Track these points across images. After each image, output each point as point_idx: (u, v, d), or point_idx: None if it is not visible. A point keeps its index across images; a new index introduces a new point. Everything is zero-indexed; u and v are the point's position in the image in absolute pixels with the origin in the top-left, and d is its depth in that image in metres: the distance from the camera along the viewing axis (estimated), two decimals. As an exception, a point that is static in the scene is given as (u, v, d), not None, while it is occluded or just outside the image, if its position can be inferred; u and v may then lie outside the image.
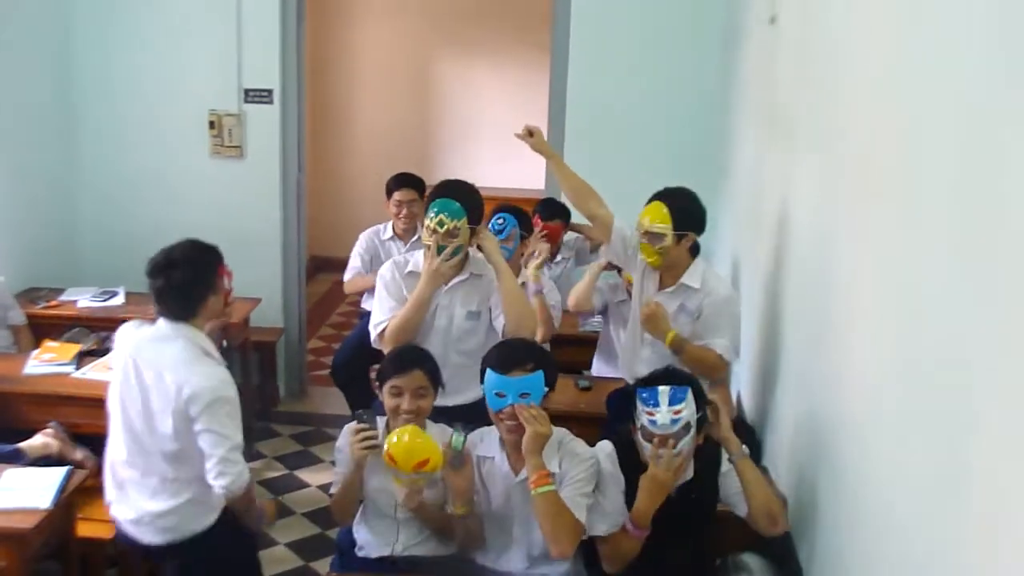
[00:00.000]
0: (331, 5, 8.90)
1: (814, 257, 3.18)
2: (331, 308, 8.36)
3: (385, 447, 2.93)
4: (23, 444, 3.91)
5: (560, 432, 3.00)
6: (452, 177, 3.70)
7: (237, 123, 5.88)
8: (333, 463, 3.11)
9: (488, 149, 8.72)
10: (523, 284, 4.24)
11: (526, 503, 2.92)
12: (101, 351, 4.60)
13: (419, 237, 3.68)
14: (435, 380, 3.14)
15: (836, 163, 2.96)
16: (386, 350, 3.45)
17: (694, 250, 3.71)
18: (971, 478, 1.74)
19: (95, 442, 3.69)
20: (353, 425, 3.08)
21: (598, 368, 4.82)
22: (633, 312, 3.90)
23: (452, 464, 2.89)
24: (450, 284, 3.61)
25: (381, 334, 3.58)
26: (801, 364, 3.31)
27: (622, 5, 5.70)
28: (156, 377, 3.02)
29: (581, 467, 2.93)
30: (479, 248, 3.54)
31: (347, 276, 5.14)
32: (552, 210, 5.00)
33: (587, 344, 4.92)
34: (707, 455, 2.94)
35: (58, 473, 3.45)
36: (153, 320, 3.12)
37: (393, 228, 5.16)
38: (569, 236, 5.20)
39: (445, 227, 3.46)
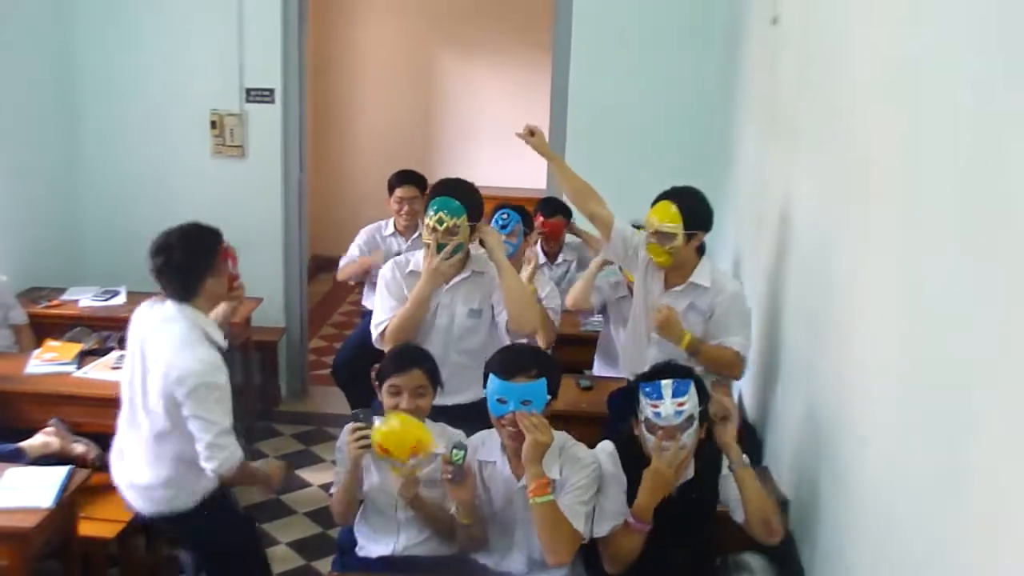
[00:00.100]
0: (333, 4, 8.90)
1: (815, 257, 3.18)
2: (333, 308, 8.36)
3: (375, 439, 2.93)
4: (24, 443, 3.91)
5: (561, 437, 2.98)
6: (453, 176, 3.70)
7: (239, 123, 5.87)
8: (334, 462, 3.12)
9: (489, 148, 8.72)
10: None
11: (527, 508, 2.91)
12: (103, 350, 4.60)
13: (420, 234, 3.68)
14: (434, 379, 3.14)
15: (837, 163, 2.96)
16: (386, 349, 3.46)
17: (700, 249, 3.71)
18: (971, 478, 1.74)
19: (96, 440, 3.70)
20: (352, 425, 3.09)
21: (599, 367, 4.82)
22: (634, 311, 3.89)
23: (454, 479, 2.86)
24: (451, 283, 3.61)
25: (382, 334, 3.59)
26: (802, 364, 3.31)
27: (623, 5, 5.70)
28: (154, 358, 3.10)
29: (582, 473, 2.92)
30: (481, 243, 3.54)
31: (341, 264, 5.14)
32: (553, 207, 5.00)
33: (588, 343, 4.92)
34: (708, 455, 2.94)
35: (60, 472, 3.45)
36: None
37: (394, 224, 5.17)
38: (571, 239, 5.20)
39: (445, 225, 3.47)
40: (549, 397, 2.89)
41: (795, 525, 3.19)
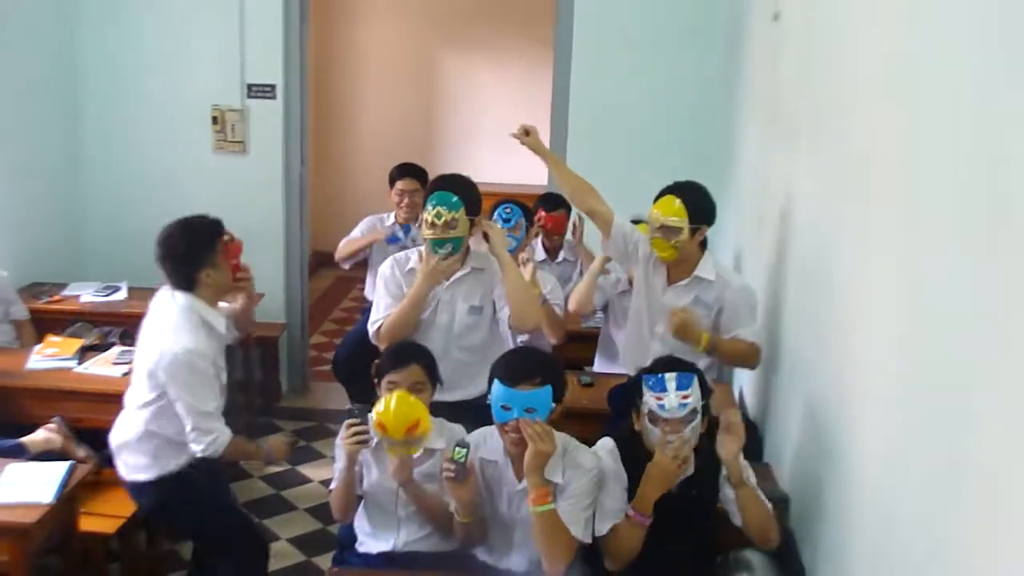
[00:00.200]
0: (335, 1, 8.90)
1: (816, 255, 3.18)
2: (334, 303, 8.37)
3: (374, 416, 2.94)
4: (25, 439, 3.92)
5: (563, 439, 2.96)
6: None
7: (240, 118, 5.88)
8: (334, 458, 3.12)
9: (491, 145, 8.71)
10: None
11: (526, 511, 2.90)
12: (103, 346, 4.61)
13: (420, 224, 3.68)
14: (432, 375, 3.14)
15: (838, 161, 2.96)
16: (382, 347, 3.46)
17: (703, 243, 3.71)
18: (971, 477, 1.74)
19: (98, 436, 3.70)
20: (347, 421, 3.09)
21: (600, 364, 4.82)
22: (636, 307, 3.88)
23: (456, 477, 2.84)
24: (452, 279, 3.61)
25: (377, 331, 3.61)
26: (803, 362, 3.32)
27: (625, 3, 5.70)
28: (150, 337, 3.33)
29: (584, 479, 2.90)
30: (484, 238, 3.54)
31: (341, 244, 5.15)
32: (555, 202, 5.00)
33: (589, 340, 4.92)
34: (709, 452, 2.94)
35: (60, 468, 3.46)
36: None
37: (395, 217, 5.17)
38: (571, 237, 5.19)
39: (443, 219, 3.47)
40: (554, 405, 2.85)
41: (795, 522, 3.19)
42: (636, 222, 4.07)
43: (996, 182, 1.69)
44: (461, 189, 3.54)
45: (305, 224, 6.16)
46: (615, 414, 3.83)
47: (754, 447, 3.72)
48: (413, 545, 3.17)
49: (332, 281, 8.86)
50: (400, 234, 4.90)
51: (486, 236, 3.53)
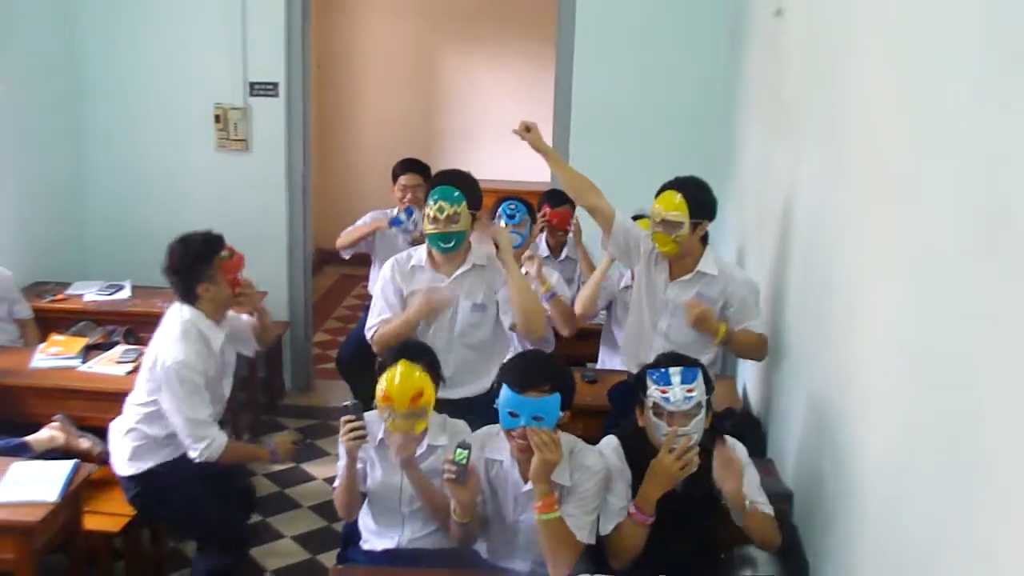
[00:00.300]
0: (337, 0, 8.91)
1: (818, 252, 3.18)
2: (337, 301, 8.37)
3: (380, 388, 2.97)
4: (29, 437, 3.92)
5: (570, 440, 2.95)
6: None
7: (243, 117, 5.88)
8: (338, 456, 3.12)
9: (493, 143, 8.69)
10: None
11: (531, 512, 2.89)
12: (107, 345, 4.61)
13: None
14: (435, 373, 3.14)
15: (841, 158, 2.96)
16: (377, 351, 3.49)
17: (704, 238, 3.71)
18: (974, 474, 1.74)
19: (102, 434, 3.71)
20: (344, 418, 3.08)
21: (603, 360, 4.82)
22: (637, 303, 3.87)
23: (457, 479, 2.82)
24: (453, 275, 3.62)
25: (373, 336, 3.67)
26: (806, 359, 3.32)
27: (627, 1, 5.68)
28: (154, 345, 3.53)
29: (592, 481, 2.89)
30: (495, 244, 3.55)
31: (342, 234, 5.16)
32: (560, 198, 4.99)
33: (592, 336, 4.92)
34: (711, 450, 2.94)
35: (65, 466, 3.46)
36: None
37: (401, 238, 5.16)
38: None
39: (446, 213, 3.49)
40: (561, 413, 2.83)
41: (799, 518, 3.19)
42: (637, 218, 4.07)
43: (997, 181, 1.69)
44: (463, 184, 3.57)
45: (308, 222, 6.16)
46: (616, 411, 3.84)
47: (757, 443, 3.72)
48: (417, 542, 3.18)
49: (335, 279, 8.86)
50: (403, 216, 4.88)
51: (496, 245, 3.54)
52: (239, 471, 4.47)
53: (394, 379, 2.97)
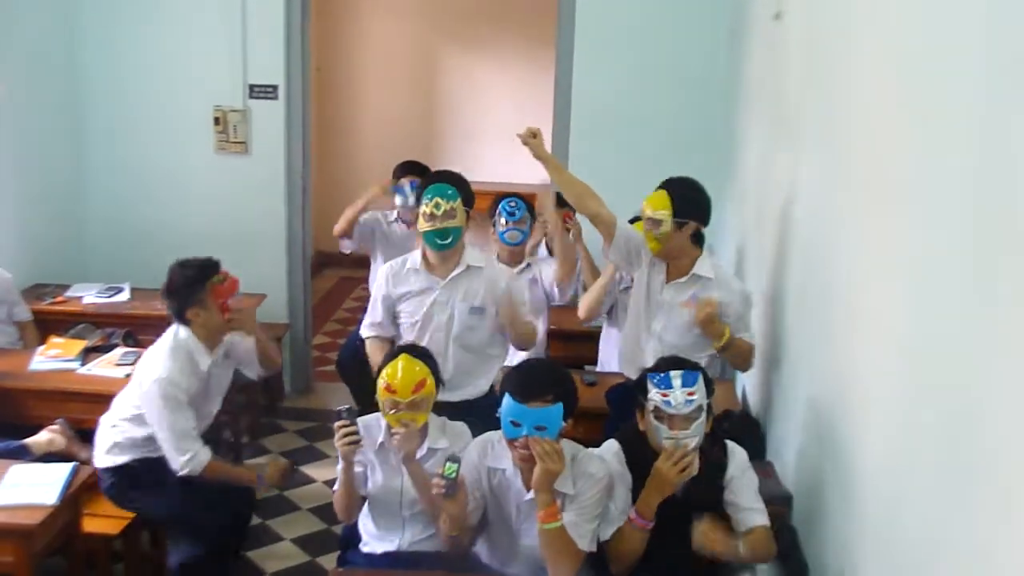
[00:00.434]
0: (337, 1, 8.90)
1: (819, 252, 3.18)
2: (336, 303, 8.37)
3: (382, 381, 3.02)
4: (29, 440, 3.93)
5: (572, 447, 2.93)
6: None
7: (242, 119, 5.88)
8: (338, 459, 3.12)
9: (493, 145, 8.71)
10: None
11: (533, 520, 2.89)
12: (106, 347, 4.61)
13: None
14: (435, 376, 3.13)
15: (841, 159, 2.95)
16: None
17: (698, 240, 3.70)
18: (975, 474, 1.74)
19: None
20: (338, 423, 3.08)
21: (603, 363, 4.82)
22: (634, 310, 3.87)
23: (447, 493, 2.79)
24: (447, 278, 3.64)
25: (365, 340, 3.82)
26: (805, 360, 3.31)
27: (627, 2, 5.68)
28: (145, 358, 3.72)
29: (595, 488, 2.88)
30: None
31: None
32: (559, 200, 5.00)
33: (592, 339, 4.92)
34: (712, 454, 2.94)
35: (64, 469, 3.46)
36: None
37: (398, 213, 5.16)
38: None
39: (442, 208, 3.53)
40: (564, 424, 2.82)
41: (798, 521, 3.19)
42: (636, 219, 4.07)
43: (998, 182, 1.69)
44: (456, 182, 3.63)
45: (307, 224, 6.16)
46: (614, 413, 3.83)
47: (756, 445, 3.72)
48: (417, 545, 3.18)
49: (335, 281, 8.86)
50: (407, 188, 4.87)
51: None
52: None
53: (396, 370, 3.02)
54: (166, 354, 3.57)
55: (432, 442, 3.16)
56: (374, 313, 3.80)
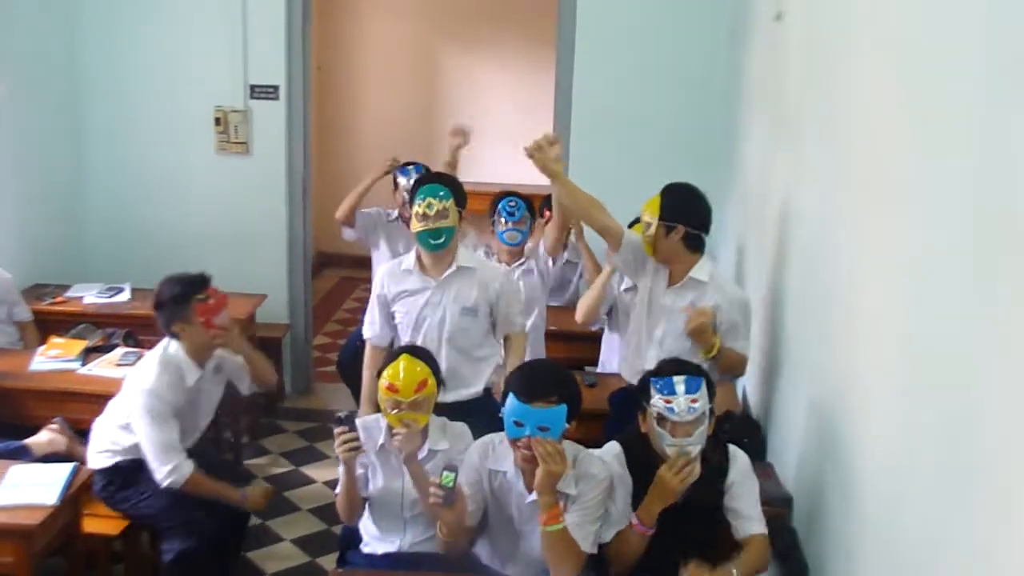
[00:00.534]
0: (338, 2, 8.90)
1: (819, 253, 3.18)
2: (337, 304, 8.36)
3: (384, 381, 3.02)
4: (29, 440, 3.92)
5: (573, 448, 2.93)
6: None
7: (243, 119, 5.87)
8: (338, 459, 3.12)
9: (493, 145, 8.67)
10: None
11: (535, 522, 2.90)
12: (107, 347, 4.60)
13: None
14: (436, 378, 3.13)
15: (841, 159, 2.95)
16: None
17: (696, 246, 3.67)
18: (975, 475, 1.73)
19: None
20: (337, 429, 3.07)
21: (604, 364, 4.81)
22: (637, 316, 3.87)
23: (444, 502, 2.79)
24: (441, 278, 3.65)
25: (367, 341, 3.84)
26: (806, 361, 3.31)
27: (627, 3, 5.68)
28: (134, 368, 3.80)
29: (596, 490, 2.88)
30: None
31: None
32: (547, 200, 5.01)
33: (592, 340, 4.92)
34: (714, 459, 2.93)
35: (64, 469, 3.45)
36: None
37: (400, 214, 5.17)
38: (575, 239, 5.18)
39: (435, 208, 3.54)
40: (567, 425, 2.82)
41: (799, 522, 3.19)
42: (636, 221, 4.08)
43: (998, 182, 1.69)
44: (448, 182, 3.66)
45: (308, 225, 6.16)
46: (615, 415, 3.83)
47: (757, 446, 3.72)
48: (418, 546, 3.18)
49: (335, 282, 8.86)
50: (411, 170, 4.91)
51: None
52: (242, 475, 4.49)
53: (398, 370, 3.02)
54: (155, 366, 3.62)
55: (433, 443, 3.16)
56: (371, 314, 3.82)
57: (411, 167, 4.97)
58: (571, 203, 3.80)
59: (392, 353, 3.17)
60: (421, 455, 3.09)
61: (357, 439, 3.01)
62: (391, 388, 3.01)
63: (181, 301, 3.64)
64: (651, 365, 3.33)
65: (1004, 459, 1.61)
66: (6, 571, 3.19)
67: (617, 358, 4.67)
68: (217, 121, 5.88)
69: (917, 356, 2.12)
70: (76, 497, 3.46)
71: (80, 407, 4.10)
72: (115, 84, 5.91)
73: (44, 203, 5.66)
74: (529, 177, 7.51)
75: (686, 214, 3.64)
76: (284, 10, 5.76)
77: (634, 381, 3.38)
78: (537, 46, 8.15)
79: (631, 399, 3.11)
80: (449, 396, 3.41)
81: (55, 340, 4.56)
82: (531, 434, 2.77)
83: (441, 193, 3.56)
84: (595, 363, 4.88)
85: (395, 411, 3.01)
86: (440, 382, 3.16)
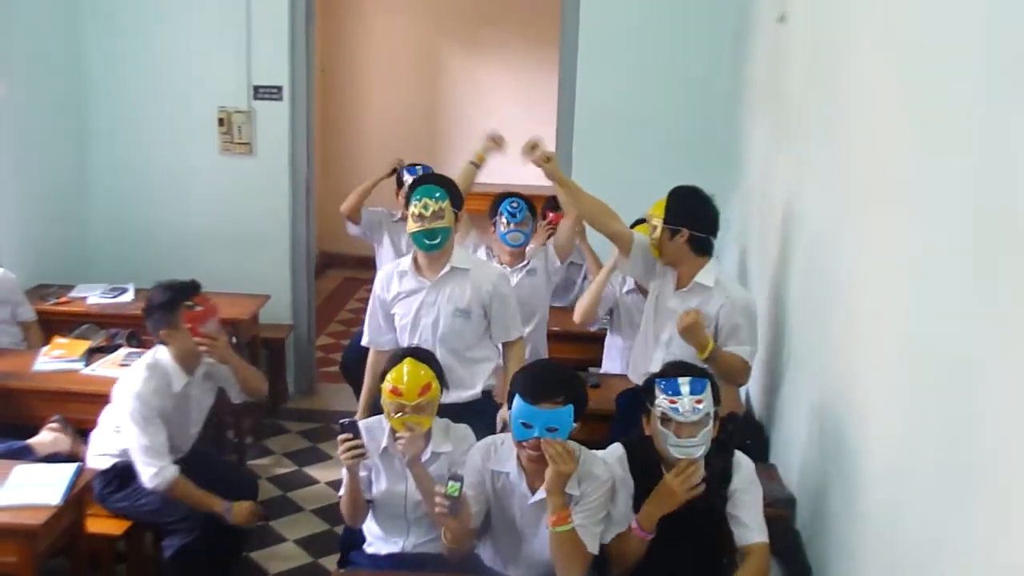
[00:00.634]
0: (341, 3, 8.91)
1: (821, 254, 3.18)
2: (340, 304, 8.37)
3: (388, 384, 3.02)
4: (32, 440, 3.93)
5: (575, 448, 2.90)
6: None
7: (246, 120, 5.88)
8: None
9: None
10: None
11: (538, 523, 2.90)
12: (110, 348, 4.62)
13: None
14: (440, 381, 3.13)
15: (843, 160, 2.95)
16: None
17: (700, 248, 3.67)
18: (977, 476, 1.73)
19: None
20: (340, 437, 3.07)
21: (607, 365, 4.81)
22: (645, 316, 3.87)
23: (450, 511, 2.77)
24: (435, 279, 3.66)
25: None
26: (808, 363, 3.31)
27: (630, 4, 5.68)
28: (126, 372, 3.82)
29: (599, 491, 2.88)
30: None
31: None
32: (553, 202, 5.01)
33: (595, 341, 4.92)
34: (718, 462, 2.93)
35: (68, 469, 3.45)
36: None
37: (403, 214, 5.18)
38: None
39: (431, 209, 3.54)
40: (574, 425, 2.82)
41: (801, 523, 3.18)
42: (638, 222, 4.08)
43: (998, 182, 1.69)
44: (444, 183, 3.65)
45: (311, 225, 6.16)
46: (620, 416, 3.83)
47: (760, 447, 3.71)
48: (422, 547, 3.18)
49: (339, 282, 8.87)
50: (418, 170, 4.93)
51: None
52: (245, 476, 4.49)
53: (402, 373, 3.01)
54: (142, 371, 3.65)
55: (436, 446, 3.16)
56: (372, 317, 3.82)
57: (418, 167, 4.99)
58: (580, 210, 3.81)
59: (396, 356, 3.15)
60: (424, 458, 3.08)
61: (361, 446, 3.00)
62: (395, 392, 3.00)
63: (169, 307, 3.66)
64: (657, 367, 3.33)
65: (1004, 459, 1.61)
66: (10, 571, 3.19)
67: (619, 359, 4.69)
68: (221, 121, 5.88)
69: (917, 356, 2.12)
70: (80, 497, 3.46)
71: (83, 407, 4.09)
72: (118, 84, 5.91)
73: (47, 203, 5.66)
74: (531, 178, 7.53)
75: (691, 217, 3.63)
76: (288, 11, 5.77)
77: (638, 380, 3.38)
78: (540, 47, 8.16)
79: (638, 400, 3.11)
80: (446, 397, 3.41)
81: (59, 340, 4.57)
82: (540, 435, 2.77)
83: (437, 194, 3.56)
84: (598, 364, 4.88)
85: (399, 415, 3.01)
86: (444, 385, 3.16)
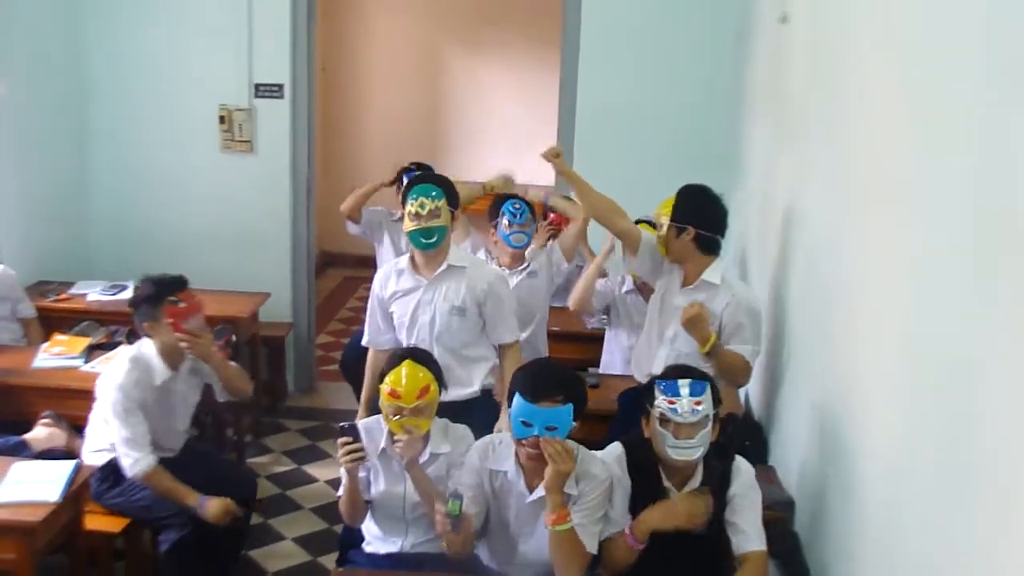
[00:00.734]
0: (342, 2, 8.90)
1: (821, 255, 3.18)
2: (340, 303, 8.37)
3: (386, 386, 3.01)
4: (28, 436, 3.93)
5: (573, 447, 2.91)
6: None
7: (247, 118, 5.88)
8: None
9: (498, 145, 8.69)
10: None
11: (536, 522, 2.90)
12: (110, 344, 4.61)
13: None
14: (437, 379, 3.13)
15: (845, 163, 2.95)
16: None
17: (707, 247, 3.67)
18: (976, 477, 1.73)
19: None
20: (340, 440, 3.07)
21: (606, 365, 4.81)
22: (651, 313, 3.87)
23: (452, 527, 2.77)
24: (431, 277, 3.66)
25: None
26: (808, 364, 3.31)
27: (632, 4, 5.68)
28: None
29: (598, 490, 2.88)
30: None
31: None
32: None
33: (594, 341, 4.92)
34: (717, 468, 2.92)
35: (66, 466, 3.46)
36: None
37: (401, 213, 5.18)
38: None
39: (427, 208, 3.55)
40: (574, 424, 2.83)
41: (800, 525, 3.18)
42: (640, 222, 4.08)
43: (998, 182, 1.69)
44: (441, 182, 3.67)
45: (312, 224, 6.16)
46: (622, 417, 3.83)
47: (759, 449, 3.71)
48: (420, 547, 3.18)
49: (339, 281, 8.86)
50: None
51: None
52: (244, 474, 4.49)
53: (401, 375, 3.01)
54: (125, 363, 3.66)
55: (434, 447, 3.15)
56: (371, 317, 3.83)
57: (418, 170, 4.97)
58: (588, 206, 3.82)
59: (394, 357, 3.15)
60: (423, 459, 3.08)
61: (361, 449, 3.00)
62: (393, 394, 3.00)
63: (153, 302, 3.68)
64: (661, 365, 3.33)
65: (1004, 459, 1.60)
66: (8, 568, 3.19)
67: (619, 356, 4.69)
68: (221, 120, 5.88)
69: (917, 356, 2.12)
70: (78, 494, 3.46)
71: (83, 404, 4.06)
72: (119, 83, 5.91)
73: (48, 202, 5.66)
74: (532, 178, 7.51)
75: (697, 215, 3.63)
76: (289, 9, 5.76)
77: (641, 379, 3.38)
78: (542, 47, 8.15)
79: (639, 399, 3.11)
80: (445, 396, 3.40)
81: (58, 337, 4.57)
82: (539, 434, 2.77)
83: (433, 193, 3.57)
84: (598, 364, 4.88)
85: (397, 417, 3.01)
86: (443, 387, 3.16)
